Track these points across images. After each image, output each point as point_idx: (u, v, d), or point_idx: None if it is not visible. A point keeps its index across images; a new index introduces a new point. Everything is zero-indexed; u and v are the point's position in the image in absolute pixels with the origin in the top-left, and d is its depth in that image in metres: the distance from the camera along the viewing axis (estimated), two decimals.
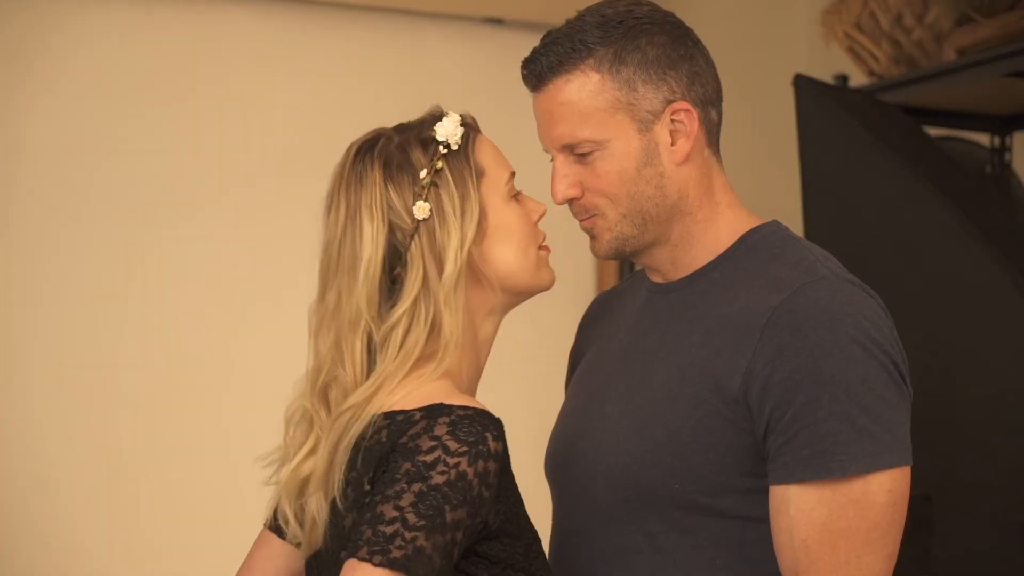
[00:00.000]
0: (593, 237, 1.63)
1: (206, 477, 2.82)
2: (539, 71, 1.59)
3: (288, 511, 1.54)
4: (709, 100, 1.61)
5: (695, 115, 1.58)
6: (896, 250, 2.58)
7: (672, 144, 1.58)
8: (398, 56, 3.14)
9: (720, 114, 1.64)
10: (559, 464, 1.69)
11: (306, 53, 3.06)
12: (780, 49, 3.48)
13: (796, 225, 2.83)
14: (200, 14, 2.96)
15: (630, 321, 1.69)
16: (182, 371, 2.92)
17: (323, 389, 1.54)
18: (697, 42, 1.63)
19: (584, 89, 1.56)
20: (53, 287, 2.83)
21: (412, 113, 1.69)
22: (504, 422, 1.45)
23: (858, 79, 2.90)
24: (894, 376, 1.49)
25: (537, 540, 1.51)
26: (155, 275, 2.91)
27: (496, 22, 3.13)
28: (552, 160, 1.61)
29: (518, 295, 1.61)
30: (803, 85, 2.77)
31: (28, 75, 2.81)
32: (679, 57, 1.58)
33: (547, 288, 1.63)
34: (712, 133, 1.62)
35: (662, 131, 1.57)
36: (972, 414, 2.39)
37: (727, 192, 1.64)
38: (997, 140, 2.94)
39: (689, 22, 1.63)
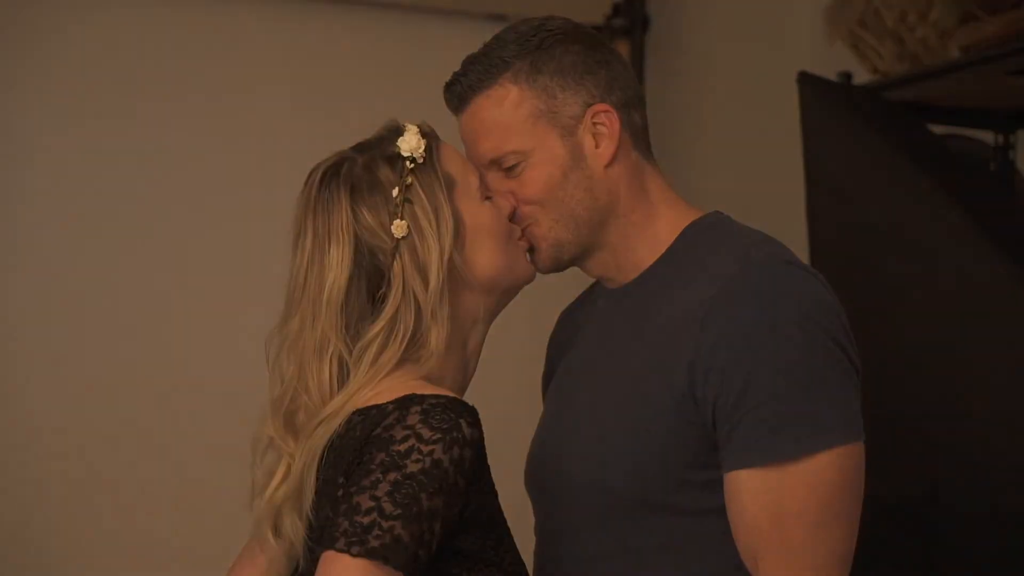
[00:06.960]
0: (532, 251, 1.64)
1: (206, 478, 2.81)
2: (460, 92, 1.62)
3: (269, 536, 1.53)
4: (630, 103, 1.63)
5: (616, 116, 1.60)
6: (900, 248, 2.58)
7: (596, 147, 1.60)
8: (399, 53, 3.14)
9: (644, 117, 1.65)
10: (534, 479, 1.70)
11: (306, 50, 3.06)
12: (783, 47, 3.46)
13: (800, 222, 2.82)
14: (202, 10, 2.96)
15: (590, 331, 1.70)
16: (182, 371, 2.92)
17: (288, 416, 1.54)
18: (613, 50, 1.66)
19: (504, 102, 1.59)
20: (52, 287, 2.83)
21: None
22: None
23: (862, 76, 2.89)
24: (836, 354, 1.48)
25: (509, 534, 1.51)
26: (155, 275, 2.91)
27: (498, 19, 3.12)
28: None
29: (503, 294, 1.62)
30: (807, 83, 2.76)
31: (28, 75, 2.80)
32: (595, 63, 1.61)
33: (529, 280, 1.64)
34: (638, 136, 1.64)
35: (585, 135, 1.60)
36: (975, 413, 2.39)
37: (664, 192, 1.65)
38: (1001, 137, 2.93)
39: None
